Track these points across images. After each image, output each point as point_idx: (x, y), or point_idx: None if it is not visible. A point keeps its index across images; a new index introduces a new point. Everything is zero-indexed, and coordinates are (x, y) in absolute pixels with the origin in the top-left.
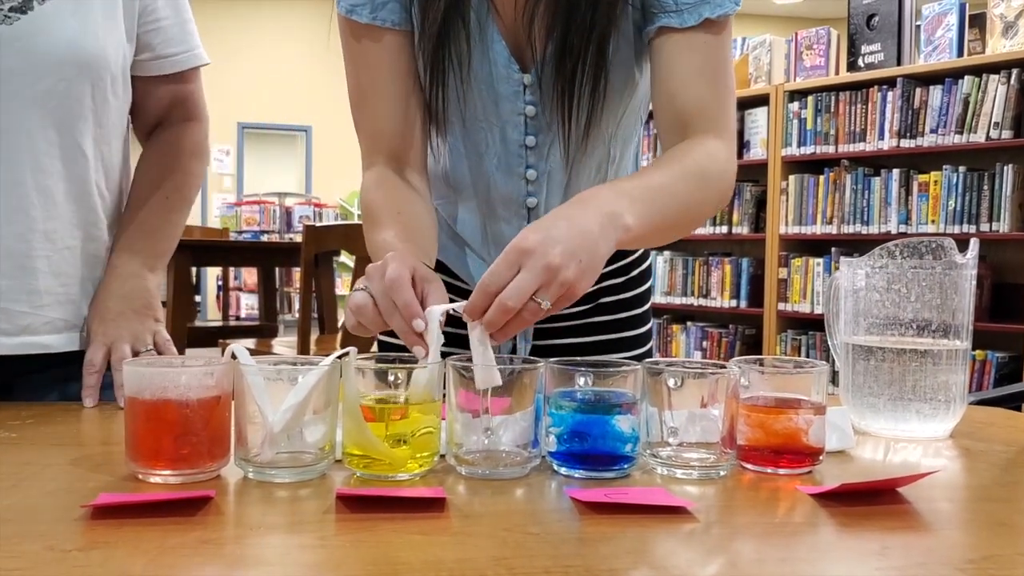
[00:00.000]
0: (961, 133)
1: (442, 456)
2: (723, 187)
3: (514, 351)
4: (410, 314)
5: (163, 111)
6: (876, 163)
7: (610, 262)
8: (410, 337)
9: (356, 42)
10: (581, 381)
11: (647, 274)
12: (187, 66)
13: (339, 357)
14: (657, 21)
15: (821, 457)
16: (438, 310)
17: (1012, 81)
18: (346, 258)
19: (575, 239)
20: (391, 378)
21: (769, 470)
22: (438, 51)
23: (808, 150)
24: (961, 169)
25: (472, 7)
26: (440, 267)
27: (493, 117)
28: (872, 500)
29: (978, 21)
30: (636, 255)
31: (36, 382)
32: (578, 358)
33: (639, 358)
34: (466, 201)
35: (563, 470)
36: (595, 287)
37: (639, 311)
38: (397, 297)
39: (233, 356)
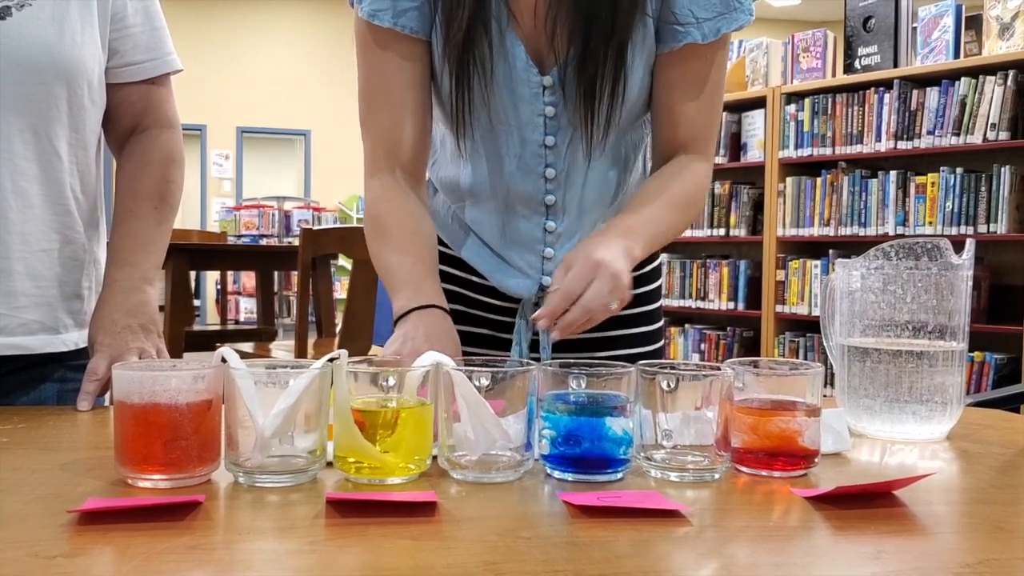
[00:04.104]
0: (958, 135)
1: (434, 458)
2: (701, 206)
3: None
4: None
5: (135, 119)
6: (873, 165)
7: None
8: None
9: (374, 47)
10: (574, 383)
11: (656, 272)
12: (156, 73)
13: (330, 360)
14: (680, 39)
15: (816, 459)
16: (435, 358)
17: (1009, 83)
18: (344, 261)
19: (622, 258)
20: (383, 382)
21: (764, 473)
22: (463, 57)
23: (805, 152)
24: (958, 171)
25: (493, 15)
26: (458, 263)
27: (512, 119)
28: (868, 503)
29: (974, 23)
30: None
31: (8, 384)
32: (571, 360)
33: (651, 355)
34: (484, 203)
35: (556, 473)
36: None
37: (650, 308)
38: None
39: (223, 360)
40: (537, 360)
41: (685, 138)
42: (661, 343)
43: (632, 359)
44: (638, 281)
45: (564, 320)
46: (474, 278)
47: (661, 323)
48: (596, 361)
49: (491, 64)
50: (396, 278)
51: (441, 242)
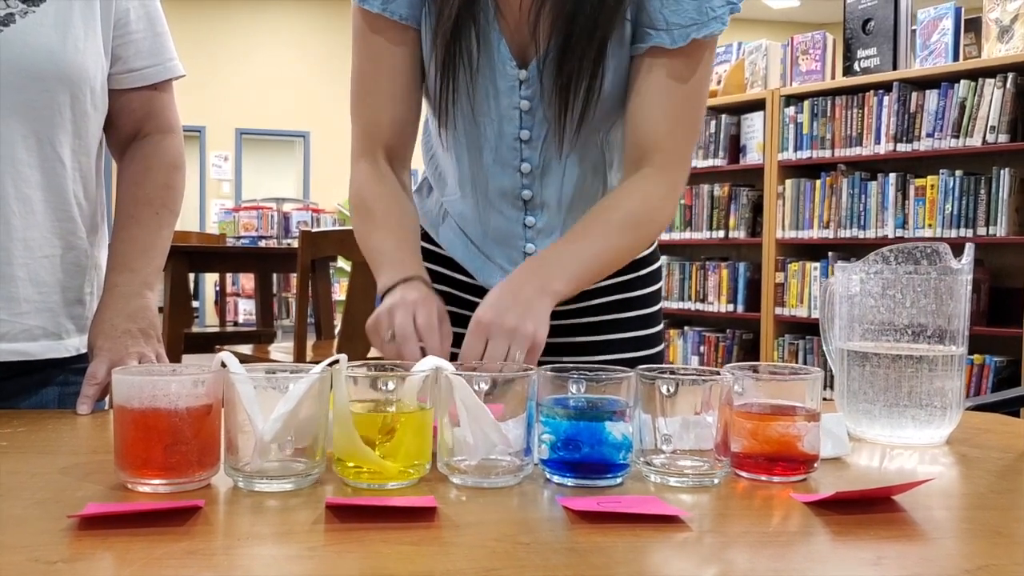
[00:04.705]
0: (957, 137)
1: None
2: (654, 229)
3: None
4: (439, 355)
5: (137, 124)
6: (873, 167)
7: None
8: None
9: (365, 31)
10: (574, 388)
11: (656, 275)
12: (158, 79)
13: (330, 365)
14: (648, 40)
15: (816, 464)
16: (434, 361)
17: (1008, 85)
18: (343, 263)
19: (520, 304)
20: (382, 386)
21: (763, 478)
22: (450, 47)
23: (804, 155)
24: (958, 173)
25: (480, 7)
26: (449, 263)
27: (492, 112)
28: (867, 508)
29: (973, 25)
30: (644, 255)
31: (9, 388)
32: (570, 364)
33: (651, 359)
34: (467, 197)
35: (555, 478)
36: (603, 284)
37: (649, 311)
38: (404, 350)
39: (223, 364)
40: None
41: (648, 145)
42: (662, 347)
43: (632, 363)
44: (637, 284)
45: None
46: (465, 278)
47: (661, 326)
48: (596, 365)
49: (477, 56)
50: (380, 259)
51: (432, 241)
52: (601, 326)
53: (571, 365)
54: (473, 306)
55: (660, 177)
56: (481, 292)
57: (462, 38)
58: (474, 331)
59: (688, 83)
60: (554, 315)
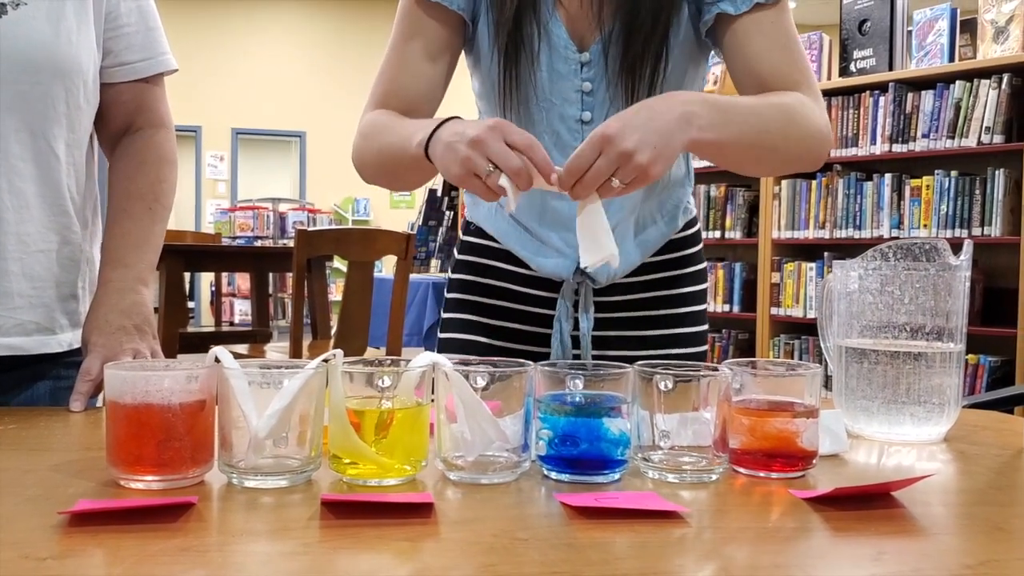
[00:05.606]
0: (953, 138)
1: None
2: (810, 131)
3: (576, 328)
4: (548, 171)
5: (128, 118)
6: (868, 168)
7: (665, 251)
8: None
9: (412, 7)
10: (571, 384)
11: (702, 275)
12: (150, 72)
13: (325, 361)
14: (712, 11)
15: (814, 461)
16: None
17: (1003, 86)
18: (339, 263)
19: (652, 130)
20: (378, 382)
21: (762, 474)
22: (513, 35)
23: None
24: (953, 174)
25: None
26: (501, 255)
27: (551, 96)
28: (866, 504)
29: (969, 26)
30: (690, 252)
31: (1, 382)
32: (575, 361)
33: (697, 356)
34: None
35: (553, 475)
36: (651, 277)
37: (698, 308)
38: (535, 155)
39: (217, 360)
40: (578, 356)
41: (779, 85)
42: (705, 347)
43: (678, 359)
44: (683, 280)
45: (572, 194)
46: (520, 270)
47: (706, 326)
48: (605, 361)
49: (538, 43)
50: (405, 133)
51: (485, 234)
52: (653, 321)
53: (581, 362)
54: (527, 299)
55: (802, 93)
56: (536, 283)
57: (523, 26)
58: (592, 140)
59: (779, 31)
60: (600, 307)
